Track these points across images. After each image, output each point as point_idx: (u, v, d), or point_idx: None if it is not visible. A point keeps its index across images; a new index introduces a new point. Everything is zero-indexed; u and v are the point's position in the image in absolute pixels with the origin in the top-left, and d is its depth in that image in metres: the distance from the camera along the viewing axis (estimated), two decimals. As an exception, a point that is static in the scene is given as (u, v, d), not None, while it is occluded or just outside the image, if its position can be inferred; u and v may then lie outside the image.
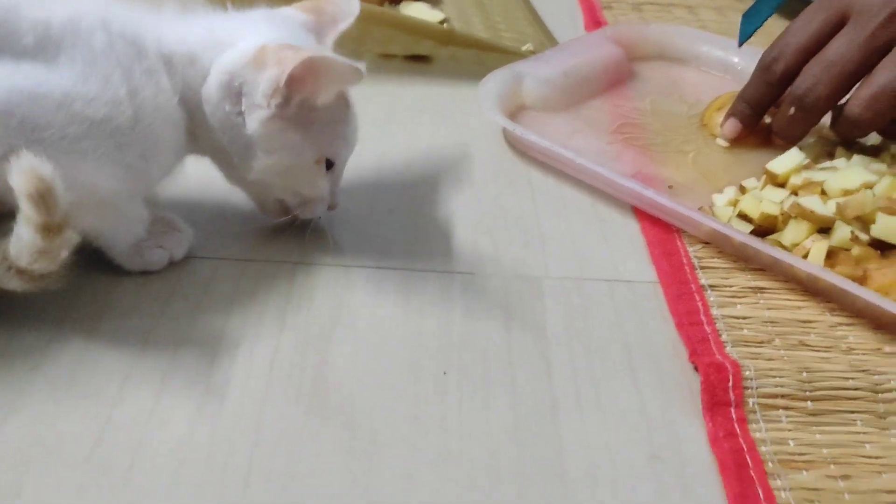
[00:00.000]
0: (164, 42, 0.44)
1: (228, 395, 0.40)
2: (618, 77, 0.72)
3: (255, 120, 0.44)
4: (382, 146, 0.61)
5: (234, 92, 0.44)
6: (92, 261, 0.45)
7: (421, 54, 0.74)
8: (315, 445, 0.38)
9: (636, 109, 0.68)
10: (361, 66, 0.43)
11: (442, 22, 0.81)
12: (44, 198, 0.35)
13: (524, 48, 0.75)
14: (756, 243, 0.49)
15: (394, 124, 0.65)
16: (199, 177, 0.50)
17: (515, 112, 0.65)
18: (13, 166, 0.35)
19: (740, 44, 0.66)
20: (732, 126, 0.62)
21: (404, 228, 0.53)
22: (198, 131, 0.46)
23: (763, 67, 0.59)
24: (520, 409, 0.41)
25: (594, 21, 0.85)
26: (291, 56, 0.42)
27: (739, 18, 0.68)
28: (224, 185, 0.51)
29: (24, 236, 0.37)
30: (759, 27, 0.66)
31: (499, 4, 0.86)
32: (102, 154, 0.40)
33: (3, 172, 0.37)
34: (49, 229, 0.37)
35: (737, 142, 0.62)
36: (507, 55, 0.72)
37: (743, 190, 0.55)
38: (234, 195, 0.51)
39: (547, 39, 0.78)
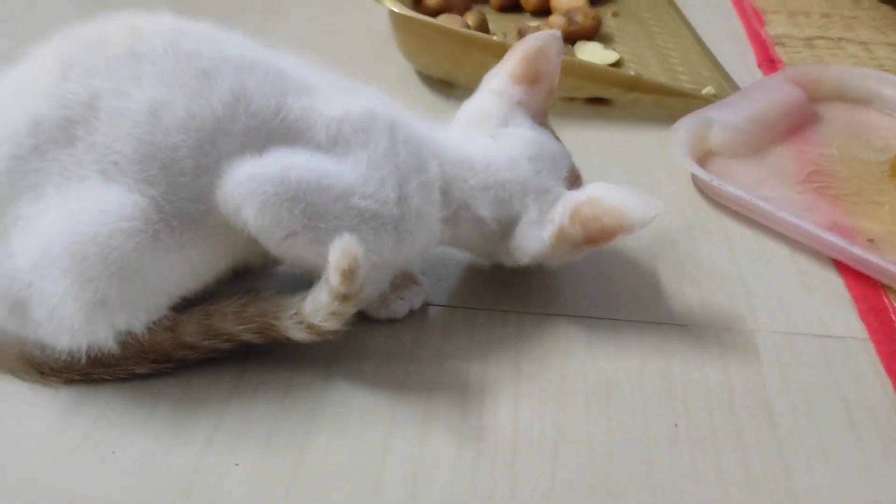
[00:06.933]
0: (446, 164, 0.48)
1: (483, 440, 0.45)
2: (800, 121, 0.74)
3: (567, 257, 0.51)
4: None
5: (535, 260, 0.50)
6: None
7: (603, 97, 0.78)
8: (564, 488, 0.43)
9: (823, 156, 0.70)
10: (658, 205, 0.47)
11: (616, 63, 0.84)
12: (351, 274, 0.41)
13: (704, 91, 0.77)
14: (970, 304, 0.50)
15: (584, 170, 0.69)
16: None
17: (703, 158, 0.68)
18: (335, 244, 0.41)
19: None
20: (927, 178, 0.63)
21: (612, 278, 0.57)
22: (458, 243, 0.52)
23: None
24: (750, 460, 0.44)
25: (768, 59, 0.87)
26: (613, 234, 0.47)
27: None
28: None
29: (323, 299, 0.43)
30: None
31: (674, 45, 0.88)
32: (364, 241, 0.44)
33: (282, 249, 0.44)
34: (346, 298, 0.43)
35: (933, 193, 0.63)
36: (689, 99, 0.75)
37: (949, 246, 0.56)
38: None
39: (725, 81, 0.80)
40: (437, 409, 0.47)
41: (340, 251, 0.41)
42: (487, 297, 0.55)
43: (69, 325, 0.40)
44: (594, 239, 0.48)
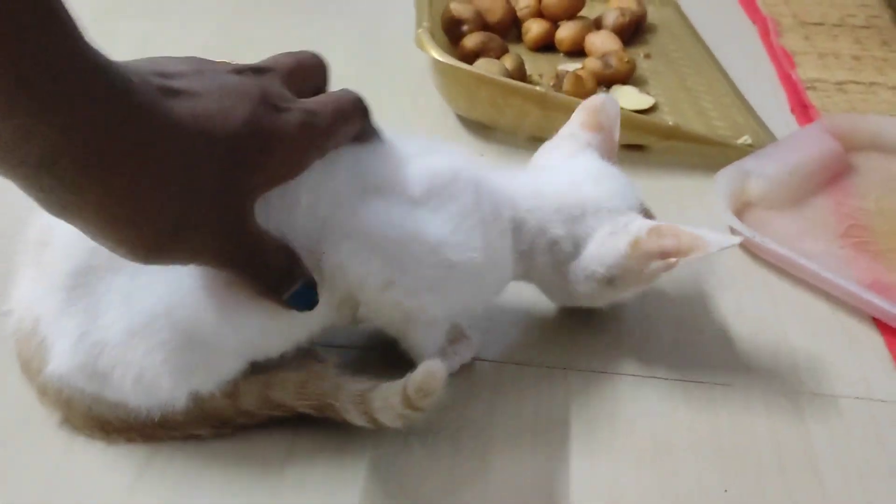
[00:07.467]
0: (518, 208, 0.50)
1: (539, 499, 0.46)
2: (837, 172, 0.74)
3: (630, 291, 0.52)
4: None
5: (608, 277, 0.51)
6: (397, 363, 0.51)
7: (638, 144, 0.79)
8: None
9: (861, 210, 0.70)
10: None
11: (651, 108, 0.85)
12: (429, 394, 0.44)
13: (741, 141, 0.78)
14: None
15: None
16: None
17: (741, 209, 0.69)
18: (422, 365, 0.44)
19: None
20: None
21: (656, 334, 0.58)
22: (531, 276, 0.53)
23: None
24: (802, 530, 0.45)
25: (800, 104, 0.87)
26: (689, 249, 0.49)
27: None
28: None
29: (395, 403, 0.45)
30: None
31: (705, 88, 0.89)
32: (443, 292, 0.47)
33: (379, 301, 0.46)
34: (417, 408, 0.45)
35: (972, 250, 0.64)
36: (726, 148, 0.76)
37: None
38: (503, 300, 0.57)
39: (760, 128, 0.80)
40: (492, 467, 0.48)
41: (426, 373, 0.43)
42: (533, 352, 0.56)
43: (153, 391, 0.42)
44: (669, 252, 0.49)
